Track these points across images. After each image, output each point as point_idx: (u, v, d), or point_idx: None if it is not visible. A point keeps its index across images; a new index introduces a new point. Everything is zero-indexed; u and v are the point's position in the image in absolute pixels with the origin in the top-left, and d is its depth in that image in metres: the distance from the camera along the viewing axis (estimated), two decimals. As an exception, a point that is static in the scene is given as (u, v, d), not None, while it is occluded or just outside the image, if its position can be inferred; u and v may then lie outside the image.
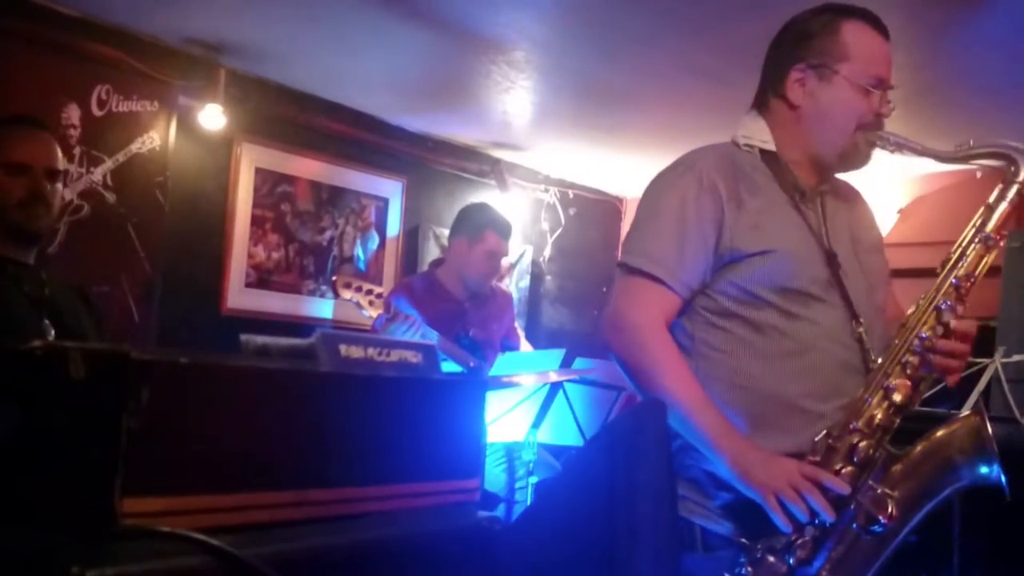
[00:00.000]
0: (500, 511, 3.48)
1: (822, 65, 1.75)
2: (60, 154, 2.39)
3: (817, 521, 1.56)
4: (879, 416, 1.62)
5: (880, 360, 1.67)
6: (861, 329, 1.71)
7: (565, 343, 4.37)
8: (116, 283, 3.76)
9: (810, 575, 1.58)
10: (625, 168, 5.72)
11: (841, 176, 1.90)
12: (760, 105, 1.85)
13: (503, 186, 5.51)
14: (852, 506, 1.59)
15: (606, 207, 6.38)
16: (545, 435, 3.50)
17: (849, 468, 1.60)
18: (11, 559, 0.86)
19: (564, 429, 3.54)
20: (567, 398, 3.39)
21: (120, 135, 3.86)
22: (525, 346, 4.17)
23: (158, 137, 3.98)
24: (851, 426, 1.62)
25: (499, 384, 3.15)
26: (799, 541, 1.57)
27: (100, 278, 3.70)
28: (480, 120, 4.92)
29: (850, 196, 1.92)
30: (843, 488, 1.56)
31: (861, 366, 1.71)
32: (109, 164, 3.83)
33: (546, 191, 5.92)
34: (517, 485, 3.65)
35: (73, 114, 3.71)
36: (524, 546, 2.13)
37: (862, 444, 1.61)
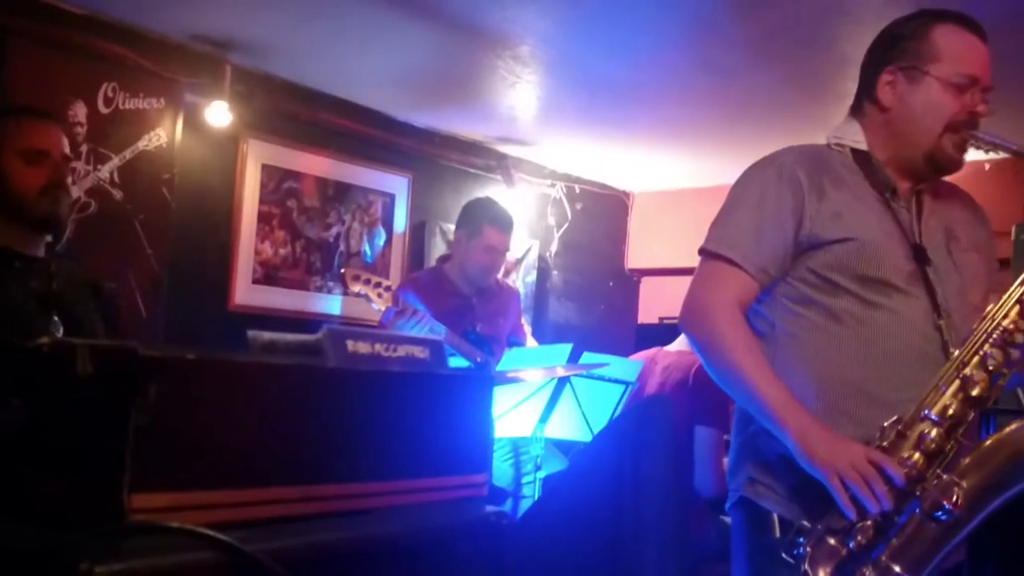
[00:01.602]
0: (507, 506, 3.48)
1: (912, 67, 1.79)
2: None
3: (879, 508, 1.55)
4: (953, 407, 1.61)
5: (957, 351, 1.66)
6: (941, 321, 1.72)
7: (572, 338, 4.36)
8: (123, 280, 3.77)
9: (870, 560, 1.57)
10: (632, 162, 5.71)
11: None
12: (855, 110, 1.90)
13: (509, 181, 5.51)
14: (918, 493, 1.57)
15: (613, 201, 6.36)
16: (552, 430, 3.50)
17: (917, 456, 1.59)
18: (20, 555, 0.86)
19: (571, 424, 3.54)
20: (574, 393, 3.39)
21: (127, 132, 3.87)
22: (531, 342, 4.17)
23: (165, 134, 3.99)
24: (922, 414, 1.62)
25: (506, 379, 3.15)
26: (861, 524, 1.56)
27: (107, 275, 3.70)
28: (486, 115, 4.91)
29: (954, 197, 1.94)
30: (901, 477, 1.55)
31: (942, 359, 1.70)
32: (116, 161, 3.84)
33: (552, 186, 5.91)
34: (524, 480, 3.64)
35: (80, 112, 3.72)
36: (533, 539, 2.14)
37: (932, 433, 1.60)
